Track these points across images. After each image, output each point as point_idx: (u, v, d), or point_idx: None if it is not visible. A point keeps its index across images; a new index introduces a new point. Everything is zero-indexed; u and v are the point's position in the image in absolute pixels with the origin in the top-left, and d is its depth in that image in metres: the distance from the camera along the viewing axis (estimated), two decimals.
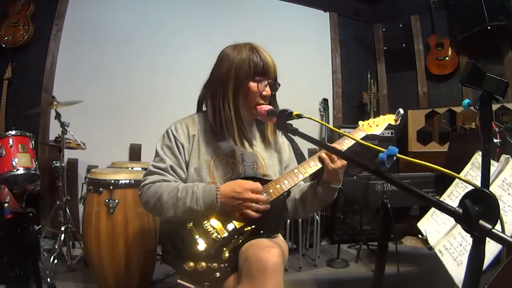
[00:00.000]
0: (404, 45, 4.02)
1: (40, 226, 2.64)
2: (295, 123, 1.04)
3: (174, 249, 1.15)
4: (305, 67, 3.85)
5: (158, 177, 1.19)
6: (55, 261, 2.27)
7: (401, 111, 1.34)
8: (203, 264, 1.10)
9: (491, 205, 0.60)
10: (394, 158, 0.85)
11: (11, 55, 2.99)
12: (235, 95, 1.23)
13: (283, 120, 1.04)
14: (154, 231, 2.07)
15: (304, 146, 3.30)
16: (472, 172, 1.50)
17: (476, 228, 0.60)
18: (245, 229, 1.16)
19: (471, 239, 0.64)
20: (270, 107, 1.21)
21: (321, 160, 1.20)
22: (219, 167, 1.24)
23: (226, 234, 1.14)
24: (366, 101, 4.01)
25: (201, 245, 1.12)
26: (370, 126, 1.34)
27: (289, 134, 1.05)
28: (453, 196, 1.50)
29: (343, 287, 2.50)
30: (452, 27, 3.73)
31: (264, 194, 1.15)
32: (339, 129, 1.58)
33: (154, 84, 3.33)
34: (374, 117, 1.40)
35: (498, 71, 3.42)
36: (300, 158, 2.30)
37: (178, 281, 1.12)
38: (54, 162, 2.42)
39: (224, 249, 1.12)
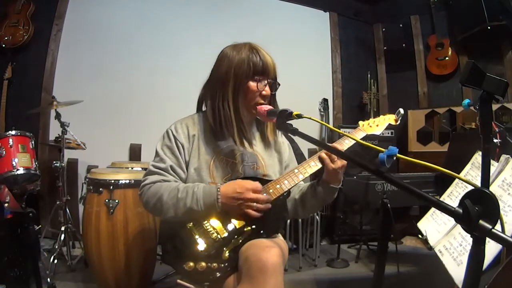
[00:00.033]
0: (404, 45, 4.02)
1: (40, 226, 2.64)
2: (295, 123, 1.04)
3: (174, 249, 1.15)
4: (305, 67, 3.85)
5: (158, 177, 1.19)
6: (55, 261, 2.27)
7: (401, 111, 1.34)
8: (203, 264, 1.10)
9: (491, 205, 0.60)
10: (394, 158, 0.85)
11: (11, 55, 3.00)
12: (234, 94, 1.23)
13: (283, 120, 1.04)
14: (154, 231, 2.07)
15: (304, 146, 3.30)
16: (472, 172, 1.50)
17: (476, 228, 0.60)
18: (245, 229, 1.15)
19: (471, 239, 0.64)
20: (270, 107, 1.21)
21: (321, 160, 1.20)
22: (219, 167, 1.24)
23: (226, 234, 1.14)
24: (366, 101, 4.01)
25: (201, 245, 1.12)
26: (370, 126, 1.33)
27: (289, 134, 1.05)
28: (453, 196, 1.50)
29: (343, 287, 2.50)
30: (452, 27, 3.73)
31: (264, 194, 1.15)
32: (339, 129, 1.58)
33: (154, 84, 3.33)
34: (374, 117, 1.40)
35: (498, 71, 3.42)
36: (300, 158, 2.30)
37: (178, 281, 1.12)
38: (54, 162, 2.42)
39: (224, 249, 1.12)
